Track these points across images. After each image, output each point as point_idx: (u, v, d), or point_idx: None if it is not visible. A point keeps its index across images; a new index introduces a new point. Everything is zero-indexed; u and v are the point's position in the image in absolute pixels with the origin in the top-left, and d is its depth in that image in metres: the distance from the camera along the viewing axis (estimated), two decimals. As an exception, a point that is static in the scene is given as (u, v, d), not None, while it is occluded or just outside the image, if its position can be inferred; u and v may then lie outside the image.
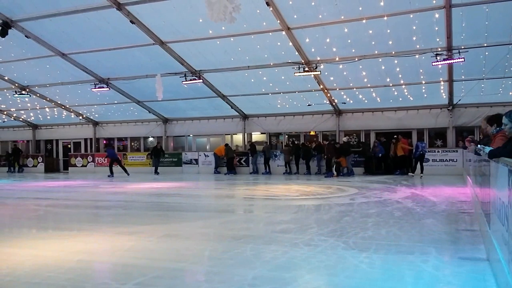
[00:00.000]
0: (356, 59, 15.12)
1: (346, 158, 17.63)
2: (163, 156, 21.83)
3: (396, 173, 17.55)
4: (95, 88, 19.30)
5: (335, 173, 17.48)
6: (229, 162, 20.67)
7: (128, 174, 20.17)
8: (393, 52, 14.59)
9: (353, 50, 14.79)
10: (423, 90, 17.34)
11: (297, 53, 15.12)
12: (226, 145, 21.28)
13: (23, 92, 20.85)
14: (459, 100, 17.31)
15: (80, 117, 24.29)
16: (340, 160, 17.55)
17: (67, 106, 23.08)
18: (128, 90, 20.28)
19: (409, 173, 17.22)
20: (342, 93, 18.32)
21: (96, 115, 24.48)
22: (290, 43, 14.54)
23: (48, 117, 25.24)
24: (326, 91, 18.05)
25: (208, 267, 4.54)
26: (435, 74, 15.73)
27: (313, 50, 15.09)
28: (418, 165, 16.95)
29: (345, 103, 19.11)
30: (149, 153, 21.99)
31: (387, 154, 18.00)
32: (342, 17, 13.14)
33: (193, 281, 4.14)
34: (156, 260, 4.76)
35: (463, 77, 15.84)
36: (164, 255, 5.00)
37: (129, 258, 4.91)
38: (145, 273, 4.20)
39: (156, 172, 20.97)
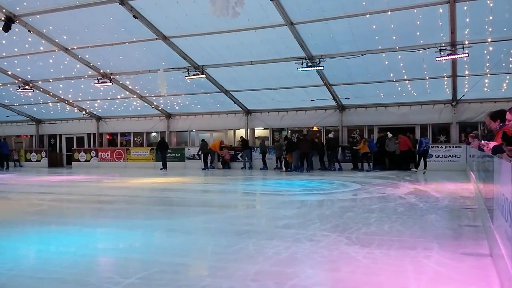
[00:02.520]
0: (360, 54, 15.05)
1: (292, 155, 17.95)
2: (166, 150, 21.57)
3: (369, 169, 17.78)
4: (98, 83, 19.29)
5: (284, 168, 18.16)
6: (205, 157, 20.84)
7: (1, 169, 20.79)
8: (397, 47, 14.52)
9: (357, 45, 14.72)
10: (427, 86, 17.27)
11: (300, 48, 15.06)
12: (203, 140, 21.42)
13: (26, 87, 20.88)
14: (463, 95, 17.22)
15: (83, 112, 24.32)
16: (287, 156, 17.94)
17: (70, 101, 23.11)
18: (131, 85, 20.29)
19: (412, 169, 17.20)
20: (346, 88, 18.27)
21: (99, 110, 24.51)
22: (294, 38, 14.49)
23: (51, 112, 25.28)
24: (329, 86, 18.00)
25: (211, 262, 4.56)
26: (438, 70, 15.66)
27: (316, 45, 15.04)
28: (422, 161, 16.96)
29: (348, 98, 19.05)
30: (155, 148, 21.91)
31: (383, 150, 18.02)
32: (346, 12, 13.07)
33: (196, 276, 4.15)
34: (159, 255, 4.77)
35: (467, 72, 15.75)
36: (167, 250, 5.02)
37: (132, 253, 4.93)
38: (148, 268, 4.22)
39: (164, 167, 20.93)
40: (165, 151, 21.20)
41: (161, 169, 20.81)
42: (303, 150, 17.88)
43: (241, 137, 21.55)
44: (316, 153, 18.72)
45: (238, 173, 18.13)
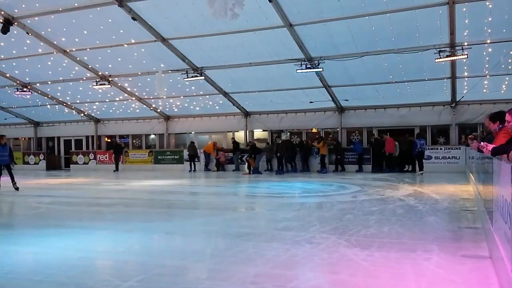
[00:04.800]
0: (359, 56, 15.06)
1: (255, 158, 18.45)
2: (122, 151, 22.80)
3: (321, 171, 17.92)
4: (96, 85, 19.28)
5: (247, 170, 18.69)
6: (191, 159, 20.92)
7: None
8: (396, 49, 14.52)
9: (356, 47, 14.72)
10: (426, 87, 17.28)
11: (299, 49, 15.07)
12: (192, 142, 21.54)
13: (25, 89, 20.85)
14: (462, 97, 17.23)
15: (82, 114, 24.28)
16: (250, 161, 18.42)
17: (69, 103, 23.08)
18: (130, 87, 20.28)
19: (408, 170, 17.18)
20: (345, 90, 18.27)
21: (98, 112, 24.48)
22: (293, 40, 14.49)
23: (50, 114, 25.24)
24: (328, 88, 18.00)
25: (210, 264, 4.54)
26: (438, 71, 15.67)
27: (315, 46, 15.04)
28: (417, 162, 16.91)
29: (347, 100, 19.06)
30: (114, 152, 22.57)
31: (380, 152, 18.01)
32: (345, 14, 13.07)
33: (195, 279, 4.13)
34: (158, 258, 4.75)
35: (466, 74, 15.78)
36: (166, 253, 5.00)
37: (131, 256, 4.90)
38: (147, 271, 4.20)
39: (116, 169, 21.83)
40: (119, 154, 22.25)
41: (114, 171, 21.61)
42: (282, 153, 18.22)
43: (232, 138, 21.53)
44: (301, 155, 19.04)
45: (233, 175, 18.05)
